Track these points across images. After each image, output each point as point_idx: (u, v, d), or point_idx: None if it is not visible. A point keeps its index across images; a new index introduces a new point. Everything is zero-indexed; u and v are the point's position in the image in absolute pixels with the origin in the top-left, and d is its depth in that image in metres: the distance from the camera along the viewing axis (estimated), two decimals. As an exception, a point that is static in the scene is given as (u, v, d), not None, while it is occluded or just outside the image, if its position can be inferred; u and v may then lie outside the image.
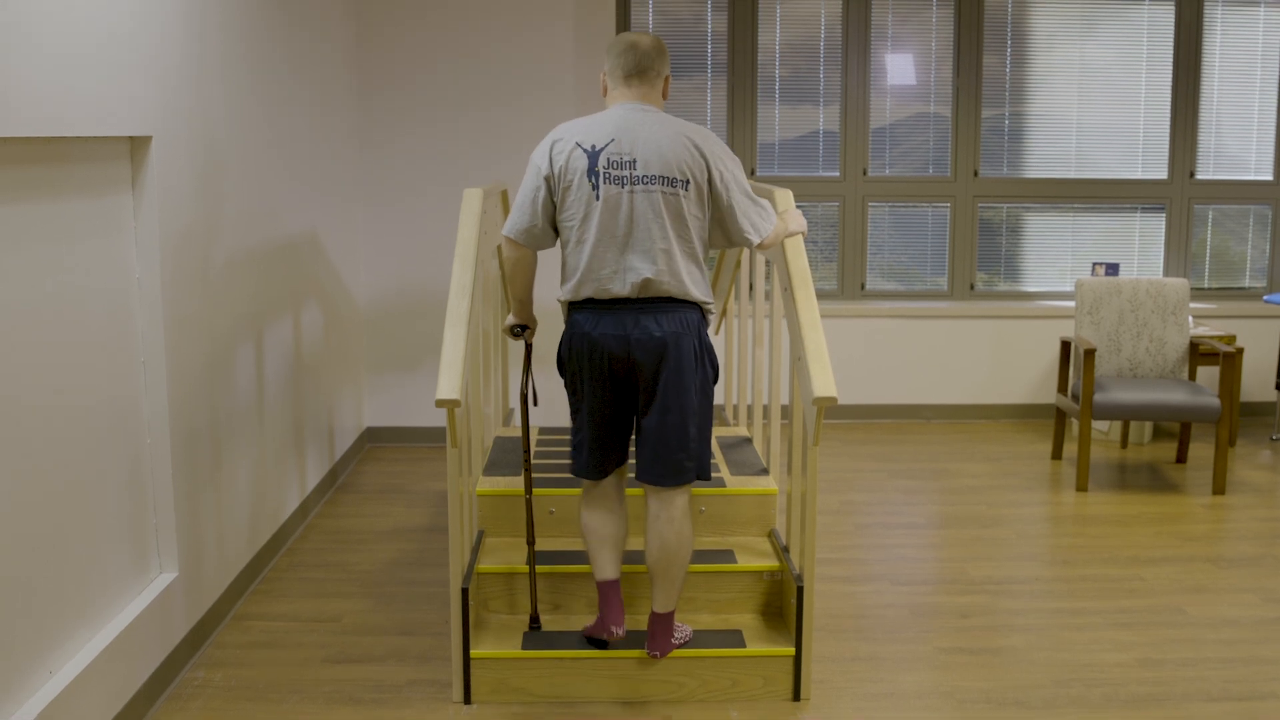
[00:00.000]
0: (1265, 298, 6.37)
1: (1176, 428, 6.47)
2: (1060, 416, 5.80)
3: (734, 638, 3.44)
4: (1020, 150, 6.68)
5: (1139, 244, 6.80)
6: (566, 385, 3.29)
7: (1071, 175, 6.70)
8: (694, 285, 3.17)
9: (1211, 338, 6.05)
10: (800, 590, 3.33)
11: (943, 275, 6.75)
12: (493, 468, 4.13)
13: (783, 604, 3.60)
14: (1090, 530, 4.80)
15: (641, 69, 3.20)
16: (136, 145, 3.25)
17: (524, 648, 3.36)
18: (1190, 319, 5.76)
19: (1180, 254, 6.80)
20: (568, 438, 4.61)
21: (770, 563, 3.64)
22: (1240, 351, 5.77)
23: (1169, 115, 6.68)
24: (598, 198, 3.09)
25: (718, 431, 4.67)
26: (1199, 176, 6.75)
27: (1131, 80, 6.64)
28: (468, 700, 3.32)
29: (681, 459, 3.19)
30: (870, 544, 4.64)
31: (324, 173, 5.20)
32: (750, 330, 5.83)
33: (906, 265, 6.76)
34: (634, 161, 3.09)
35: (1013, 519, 4.94)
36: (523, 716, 3.26)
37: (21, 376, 2.68)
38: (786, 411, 5.87)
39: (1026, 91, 6.62)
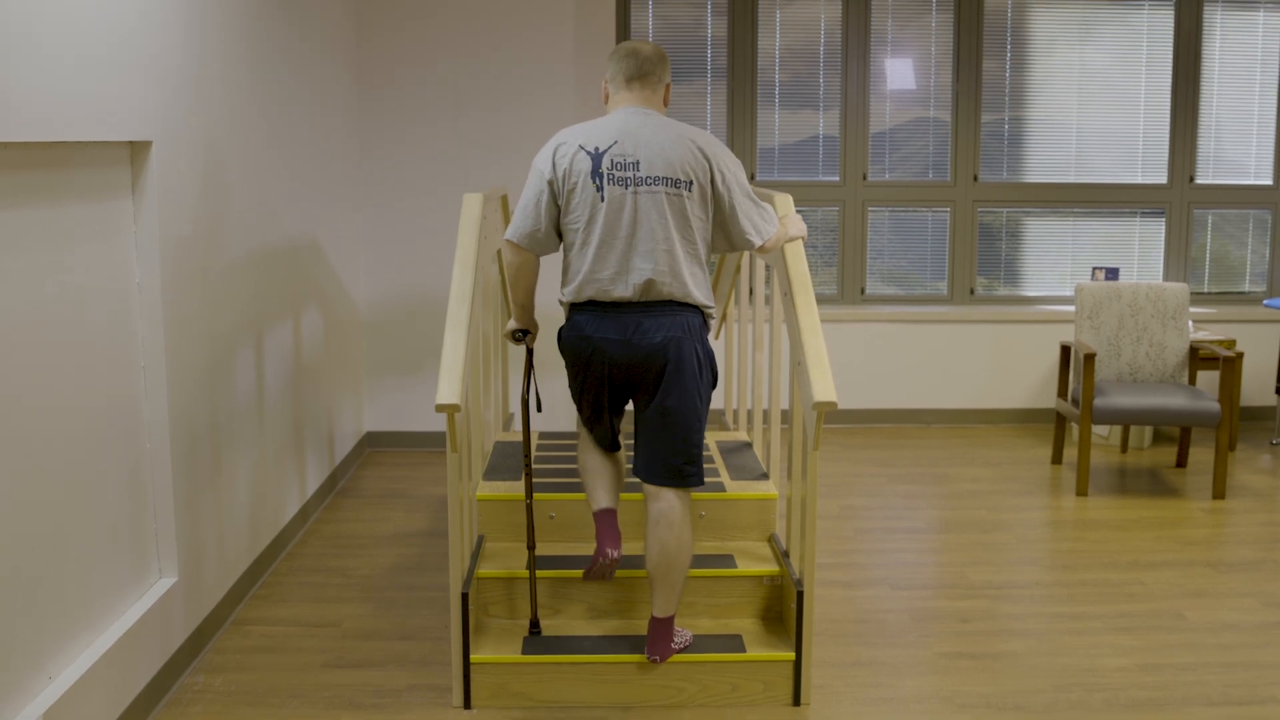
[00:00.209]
0: (1265, 302, 6.37)
1: (1176, 432, 6.47)
2: (1060, 421, 5.80)
3: (734, 642, 3.44)
4: (1020, 155, 6.68)
5: (1139, 248, 6.80)
6: (565, 365, 3.32)
7: (1071, 180, 6.70)
8: (696, 287, 3.18)
9: (1211, 342, 6.06)
10: (800, 595, 3.33)
11: (943, 280, 6.76)
12: (493, 472, 4.13)
13: (783, 609, 3.59)
14: (1090, 535, 4.80)
15: (643, 73, 3.22)
16: (137, 150, 3.26)
17: (524, 653, 3.36)
18: (1190, 323, 5.76)
19: (1180, 258, 6.81)
20: (568, 443, 4.61)
21: (770, 567, 3.64)
22: (1240, 356, 5.78)
23: (1168, 120, 6.69)
24: (602, 199, 3.10)
25: (718, 436, 4.67)
26: (1199, 181, 6.75)
27: (1131, 84, 6.65)
28: (468, 705, 3.32)
29: (677, 463, 3.21)
30: (870, 549, 4.64)
31: (324, 176, 5.20)
32: (750, 335, 5.83)
33: (906, 270, 6.76)
34: (637, 163, 3.10)
35: (1013, 524, 4.94)
36: (523, 721, 3.26)
37: (22, 380, 2.68)
38: (786, 416, 5.87)
39: (1026, 96, 6.63)
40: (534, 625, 3.49)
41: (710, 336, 4.81)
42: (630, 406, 5.09)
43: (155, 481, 3.40)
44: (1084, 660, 3.64)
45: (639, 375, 3.17)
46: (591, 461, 3.42)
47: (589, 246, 3.14)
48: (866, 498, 5.32)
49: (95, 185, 3.05)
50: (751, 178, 6.55)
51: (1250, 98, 6.71)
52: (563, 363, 5.76)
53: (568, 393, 6.11)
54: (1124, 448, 6.13)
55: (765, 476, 4.10)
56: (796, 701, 3.35)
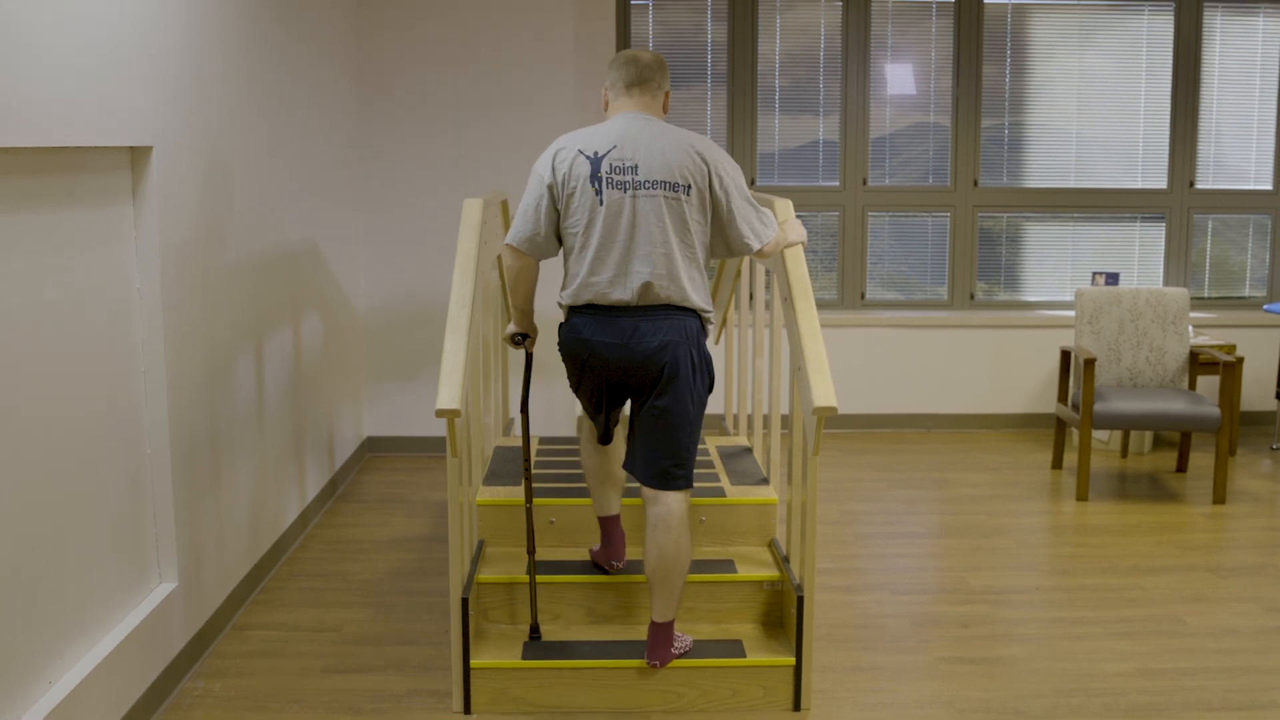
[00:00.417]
0: (1265, 307, 6.37)
1: (1177, 437, 6.47)
2: (1060, 426, 5.80)
3: (734, 647, 3.44)
4: (1020, 160, 6.68)
5: (1139, 253, 6.80)
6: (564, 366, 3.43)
7: (1071, 185, 6.71)
8: (694, 291, 3.19)
9: (1211, 347, 6.06)
10: (800, 600, 3.32)
11: (943, 285, 6.76)
12: (493, 477, 4.13)
13: (783, 614, 3.59)
14: (1090, 540, 4.79)
15: (643, 79, 3.24)
16: (137, 155, 3.26)
17: (524, 658, 3.35)
18: (1190, 328, 5.76)
19: (1180, 263, 6.81)
20: (568, 447, 4.61)
21: (770, 572, 3.64)
22: (1240, 361, 5.78)
23: (1168, 125, 6.69)
24: (601, 203, 3.12)
25: (718, 441, 4.67)
26: (1199, 186, 6.75)
27: (1131, 90, 6.65)
28: (468, 710, 3.32)
29: (666, 465, 3.24)
30: (870, 553, 4.64)
31: (324, 181, 5.20)
32: (750, 340, 5.83)
33: (906, 275, 6.76)
34: (636, 167, 3.11)
35: (1013, 528, 4.94)
36: (522, 726, 3.26)
37: (22, 385, 2.69)
38: (787, 421, 5.86)
39: (1026, 101, 6.63)
40: (534, 630, 3.48)
41: (710, 341, 4.81)
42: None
43: (155, 486, 3.40)
44: (1084, 665, 3.63)
45: (635, 378, 3.19)
46: (593, 462, 3.53)
47: (588, 250, 3.15)
48: (867, 503, 5.32)
49: (96, 190, 3.06)
50: (751, 183, 6.56)
51: (1250, 102, 6.71)
52: (563, 366, 5.77)
53: (568, 397, 6.11)
54: (1124, 453, 6.13)
55: (765, 481, 4.09)
56: (797, 707, 3.35)
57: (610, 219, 3.12)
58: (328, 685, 3.48)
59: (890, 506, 5.26)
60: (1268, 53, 6.66)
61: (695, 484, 4.00)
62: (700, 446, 4.59)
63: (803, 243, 3.53)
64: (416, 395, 6.08)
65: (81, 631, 2.97)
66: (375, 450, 6.12)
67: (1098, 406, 5.25)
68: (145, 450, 3.35)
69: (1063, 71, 6.61)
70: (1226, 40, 6.65)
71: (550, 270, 5.83)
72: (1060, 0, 6.54)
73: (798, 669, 3.34)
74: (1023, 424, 6.69)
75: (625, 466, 3.34)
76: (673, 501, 3.24)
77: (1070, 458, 6.08)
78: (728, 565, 3.71)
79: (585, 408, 3.42)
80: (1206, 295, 6.89)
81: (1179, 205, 6.75)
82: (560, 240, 3.25)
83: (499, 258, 4.46)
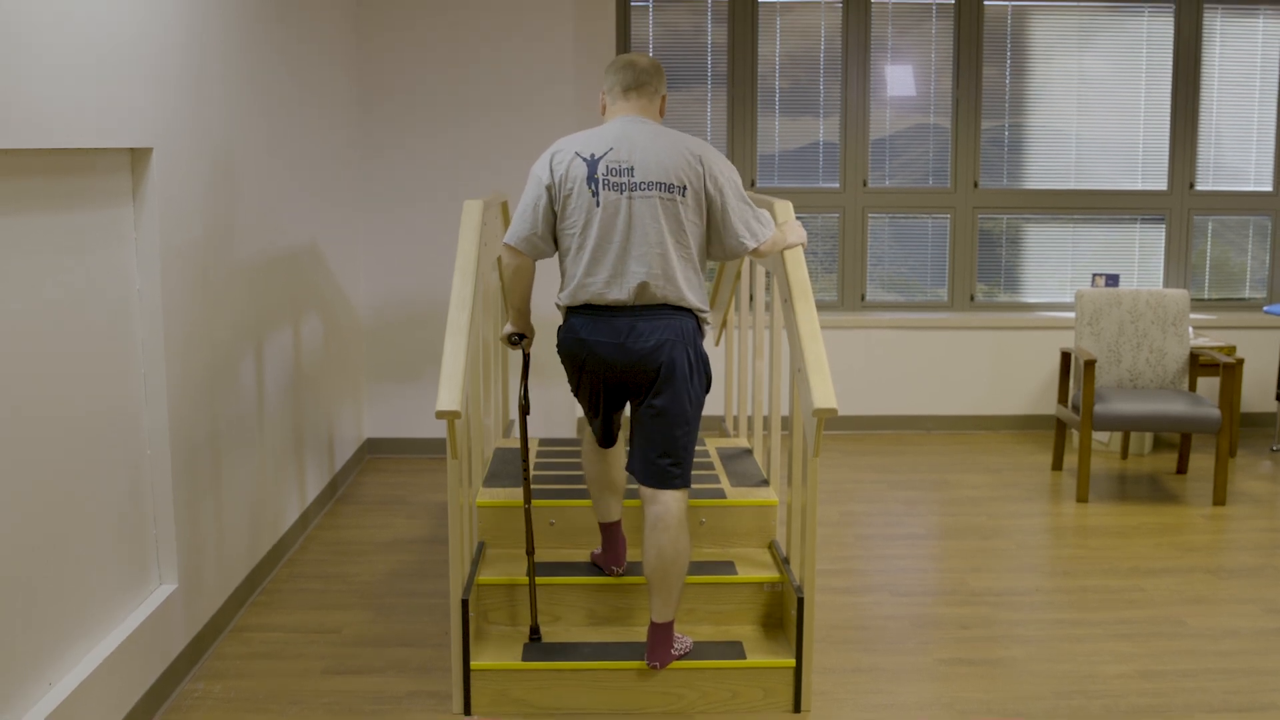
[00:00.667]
0: (1265, 308, 6.37)
1: (1177, 438, 6.47)
2: (1060, 427, 5.80)
3: (734, 649, 3.44)
4: (1020, 161, 6.69)
5: (1139, 255, 6.80)
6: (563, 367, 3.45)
7: (1071, 186, 6.71)
8: (690, 291, 3.21)
9: (1211, 348, 6.06)
10: (801, 601, 3.32)
11: (943, 286, 6.76)
12: (493, 479, 4.13)
13: (783, 615, 3.59)
14: (1091, 541, 4.79)
15: (640, 85, 3.28)
16: (137, 157, 3.26)
17: (524, 659, 3.35)
18: (1190, 330, 5.76)
19: (1180, 265, 6.81)
20: (567, 449, 4.61)
21: (771, 574, 3.64)
22: (1240, 362, 5.78)
23: (1168, 126, 6.70)
24: (598, 204, 3.15)
25: (719, 443, 4.67)
26: (1199, 188, 6.75)
27: (1131, 91, 6.65)
28: (468, 712, 3.32)
29: (664, 463, 3.26)
30: (871, 555, 4.64)
31: (324, 183, 5.20)
32: (750, 341, 5.83)
33: (907, 276, 6.76)
34: (632, 168, 3.15)
35: (1013, 530, 4.94)
36: (523, 728, 3.26)
37: (22, 387, 2.69)
38: (787, 423, 5.87)
39: (1026, 103, 6.64)
40: (534, 632, 3.48)
41: (711, 343, 4.82)
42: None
43: (155, 488, 3.40)
44: (1084, 667, 3.63)
45: (632, 378, 3.22)
46: (594, 469, 3.54)
47: (585, 251, 3.18)
48: (867, 504, 5.32)
49: (96, 192, 3.06)
50: (751, 184, 6.56)
51: (1250, 104, 6.71)
52: (563, 369, 5.77)
53: (567, 399, 6.11)
54: (1124, 454, 6.13)
55: (765, 483, 4.09)
56: (797, 708, 3.35)
57: (607, 220, 3.15)
58: (328, 687, 3.48)
59: (890, 508, 5.26)
60: (1268, 54, 6.66)
61: (696, 485, 4.01)
62: (700, 448, 4.59)
63: (803, 244, 3.54)
64: (417, 397, 6.08)
65: (81, 633, 2.97)
66: (375, 452, 6.12)
67: (1098, 408, 5.25)
68: (145, 451, 3.36)
69: (1063, 73, 6.61)
70: (1226, 42, 6.65)
71: (550, 272, 5.83)
72: (1060, 2, 6.54)
73: (798, 670, 3.34)
74: (1023, 425, 6.69)
75: (628, 468, 3.36)
76: (671, 501, 3.25)
77: (1070, 459, 6.08)
78: (728, 567, 3.71)
79: (585, 410, 3.44)
80: (1206, 297, 6.89)
81: (1179, 207, 6.76)
82: (556, 241, 3.27)
83: (499, 259, 4.46)
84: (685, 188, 3.17)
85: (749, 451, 4.52)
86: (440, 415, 3.05)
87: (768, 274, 4.17)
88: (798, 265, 3.49)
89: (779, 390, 4.10)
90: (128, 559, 3.23)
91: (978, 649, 3.76)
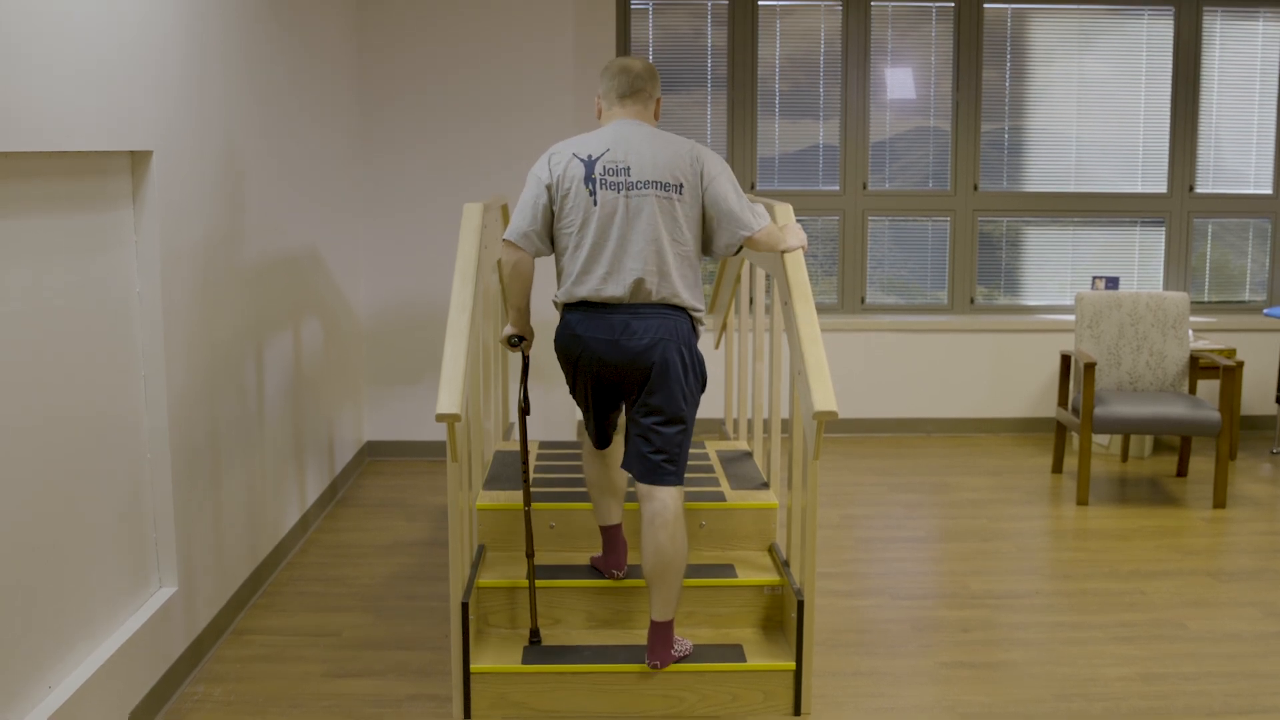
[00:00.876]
0: (1265, 311, 6.37)
1: (1177, 441, 6.47)
2: (1060, 430, 5.80)
3: (734, 652, 3.44)
4: (1020, 164, 6.69)
5: (1139, 258, 6.81)
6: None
7: (1071, 189, 6.71)
8: (686, 289, 3.25)
9: (1212, 351, 6.06)
10: (801, 604, 3.32)
11: (943, 289, 6.76)
12: (493, 482, 4.12)
13: (783, 618, 3.59)
14: (1091, 544, 4.79)
15: (635, 89, 3.33)
16: (137, 160, 3.26)
17: (524, 662, 3.35)
18: (1190, 332, 5.77)
19: (1180, 268, 6.81)
20: (567, 451, 4.61)
21: (771, 577, 3.64)
22: (1240, 365, 5.78)
23: (1168, 129, 6.70)
24: (595, 203, 3.21)
25: (719, 446, 4.67)
26: (1198, 190, 6.76)
27: (1131, 94, 6.66)
28: (468, 715, 3.32)
29: (658, 460, 3.28)
30: (871, 558, 4.64)
31: (324, 186, 5.21)
32: (750, 344, 5.83)
33: (906, 279, 6.76)
34: (628, 168, 3.20)
35: (1013, 533, 4.94)
36: (523, 731, 3.25)
37: (22, 390, 2.69)
38: (787, 425, 5.87)
39: (1026, 105, 6.64)
40: (534, 635, 3.48)
41: (711, 345, 4.82)
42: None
43: (155, 491, 3.40)
44: (1085, 670, 3.63)
45: (626, 375, 3.25)
46: (594, 473, 3.57)
47: (582, 249, 3.23)
48: (867, 507, 5.32)
49: (96, 195, 3.06)
50: (751, 187, 6.56)
51: (1250, 107, 6.72)
52: (562, 372, 5.78)
53: (567, 402, 6.11)
54: (1124, 457, 6.13)
55: (765, 486, 4.09)
56: (797, 711, 3.35)
57: (604, 218, 3.20)
58: (328, 690, 3.48)
59: (890, 511, 5.25)
60: (1267, 57, 6.67)
61: (696, 488, 4.01)
62: (700, 451, 4.59)
63: (803, 247, 3.55)
64: (417, 400, 6.08)
65: (81, 636, 2.97)
66: (375, 455, 6.12)
67: (1098, 410, 5.25)
68: (145, 454, 3.35)
69: (1062, 76, 6.62)
70: (1226, 44, 6.65)
71: (549, 273, 5.83)
72: (1060, 4, 6.55)
73: (798, 674, 3.33)
74: (1023, 428, 6.69)
75: (624, 465, 3.37)
76: (667, 498, 3.27)
77: (1070, 462, 6.08)
78: (728, 570, 3.71)
79: (581, 410, 3.45)
80: (1206, 299, 6.89)
81: (1179, 209, 6.76)
82: (553, 240, 3.31)
83: (499, 261, 4.46)
84: (682, 185, 3.22)
85: (749, 454, 4.52)
86: (440, 418, 3.06)
87: (768, 276, 4.17)
88: (798, 268, 3.49)
89: (779, 393, 4.10)
90: (128, 561, 3.23)
91: (978, 652, 3.76)
